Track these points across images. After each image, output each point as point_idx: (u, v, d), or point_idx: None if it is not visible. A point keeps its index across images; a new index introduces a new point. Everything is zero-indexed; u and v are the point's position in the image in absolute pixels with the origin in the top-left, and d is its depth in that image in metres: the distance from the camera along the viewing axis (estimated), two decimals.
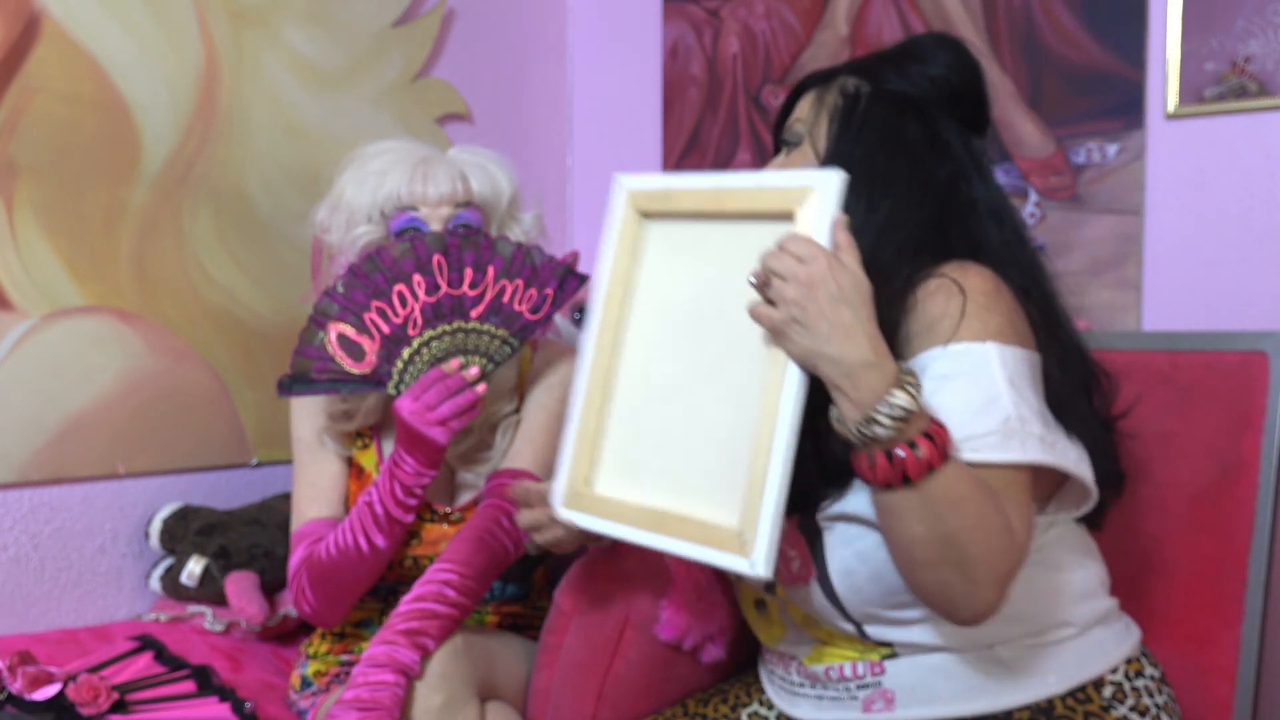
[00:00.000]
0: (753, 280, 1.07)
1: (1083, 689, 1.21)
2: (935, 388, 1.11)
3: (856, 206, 1.17)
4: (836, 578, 1.18)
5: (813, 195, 1.07)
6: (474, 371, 1.45)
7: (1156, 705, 1.23)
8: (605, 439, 1.20)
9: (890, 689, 1.22)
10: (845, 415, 1.04)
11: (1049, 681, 1.20)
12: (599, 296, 1.22)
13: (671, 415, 1.16)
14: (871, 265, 1.13)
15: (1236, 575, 1.44)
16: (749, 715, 1.38)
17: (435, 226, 1.53)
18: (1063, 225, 2.00)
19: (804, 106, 1.31)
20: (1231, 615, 1.44)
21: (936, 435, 1.03)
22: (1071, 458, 1.13)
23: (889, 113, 1.24)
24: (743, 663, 1.50)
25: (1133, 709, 1.21)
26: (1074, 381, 1.23)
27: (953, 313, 1.13)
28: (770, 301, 1.06)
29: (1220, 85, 1.83)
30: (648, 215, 1.22)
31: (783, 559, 1.22)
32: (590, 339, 1.22)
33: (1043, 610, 1.21)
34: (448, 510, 1.58)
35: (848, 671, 1.24)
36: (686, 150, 2.44)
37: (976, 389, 1.10)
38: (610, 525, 1.18)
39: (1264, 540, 1.43)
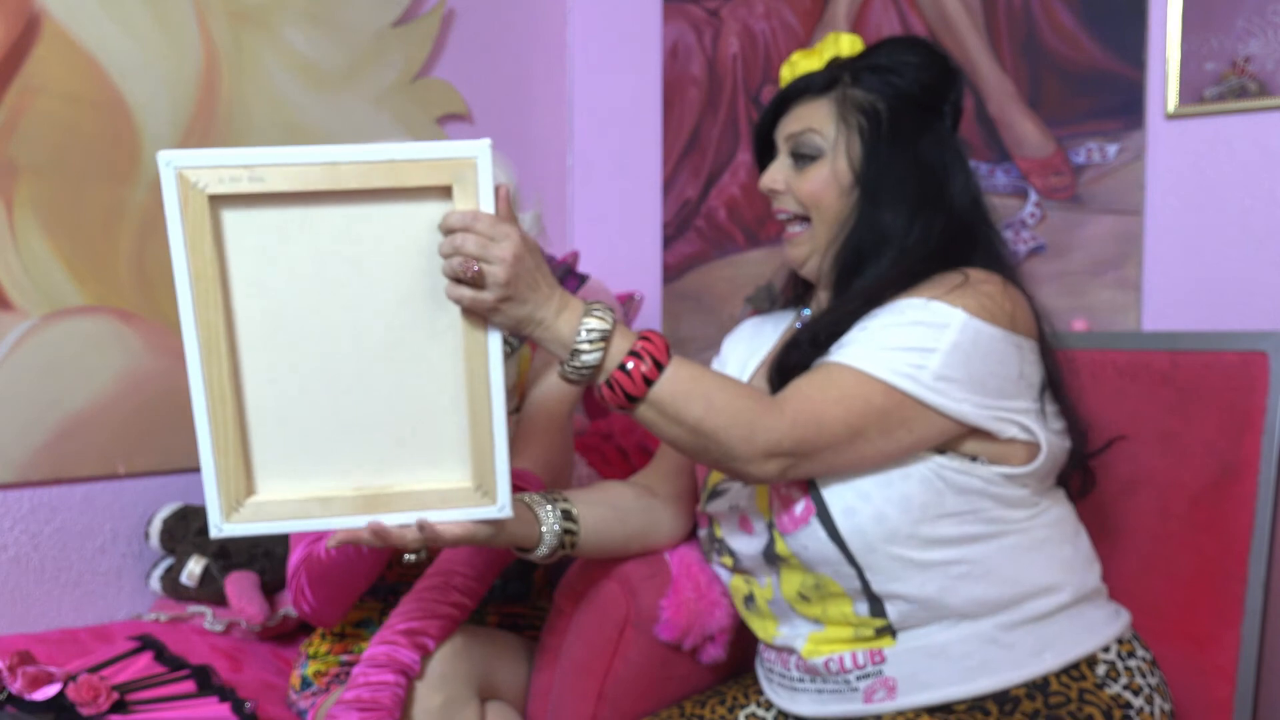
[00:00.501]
0: (456, 270, 1.08)
1: (1076, 667, 1.23)
2: (893, 321, 1.20)
3: (896, 219, 1.28)
4: (839, 517, 1.20)
5: (474, 167, 1.07)
6: None
7: (1150, 686, 1.25)
8: (256, 444, 1.14)
9: (892, 677, 1.23)
10: (556, 356, 1.15)
11: (1045, 658, 1.23)
12: (185, 303, 1.08)
13: (344, 403, 1.13)
14: (896, 271, 1.25)
15: (1236, 575, 1.44)
16: (746, 716, 1.38)
17: None
18: (1063, 225, 2.00)
19: (816, 118, 1.34)
20: (1231, 615, 1.44)
21: (644, 350, 1.14)
22: (992, 417, 1.20)
23: (908, 125, 1.31)
24: (742, 663, 1.50)
25: (1126, 688, 1.24)
26: (1057, 363, 1.30)
27: (946, 285, 1.22)
28: (461, 280, 1.09)
29: (1220, 85, 1.83)
30: (225, 200, 1.07)
31: (785, 503, 1.25)
32: (192, 349, 1.10)
33: (1039, 573, 1.25)
34: None
35: (848, 662, 1.25)
36: (686, 150, 2.44)
37: (921, 337, 1.18)
38: (299, 523, 1.16)
39: (1264, 540, 1.43)
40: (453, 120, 2.35)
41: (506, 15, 2.47)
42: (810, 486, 1.23)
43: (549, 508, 1.30)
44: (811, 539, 1.22)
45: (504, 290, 1.08)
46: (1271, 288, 1.82)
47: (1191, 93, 1.86)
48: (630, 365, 1.14)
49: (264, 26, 2.01)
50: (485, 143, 1.06)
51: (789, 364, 1.25)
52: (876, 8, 2.19)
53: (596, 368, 1.14)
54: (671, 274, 2.46)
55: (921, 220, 1.28)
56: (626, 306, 2.39)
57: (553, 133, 2.59)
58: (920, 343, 1.18)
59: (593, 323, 1.13)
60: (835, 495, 1.21)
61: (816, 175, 1.32)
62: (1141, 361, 1.56)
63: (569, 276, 1.53)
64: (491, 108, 2.42)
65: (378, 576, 1.53)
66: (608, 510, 1.37)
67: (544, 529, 1.29)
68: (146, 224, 1.87)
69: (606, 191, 2.59)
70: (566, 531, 1.30)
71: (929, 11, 2.12)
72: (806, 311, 1.43)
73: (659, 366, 1.14)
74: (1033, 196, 2.02)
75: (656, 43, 2.49)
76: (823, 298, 1.39)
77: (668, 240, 2.46)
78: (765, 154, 1.41)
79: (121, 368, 1.83)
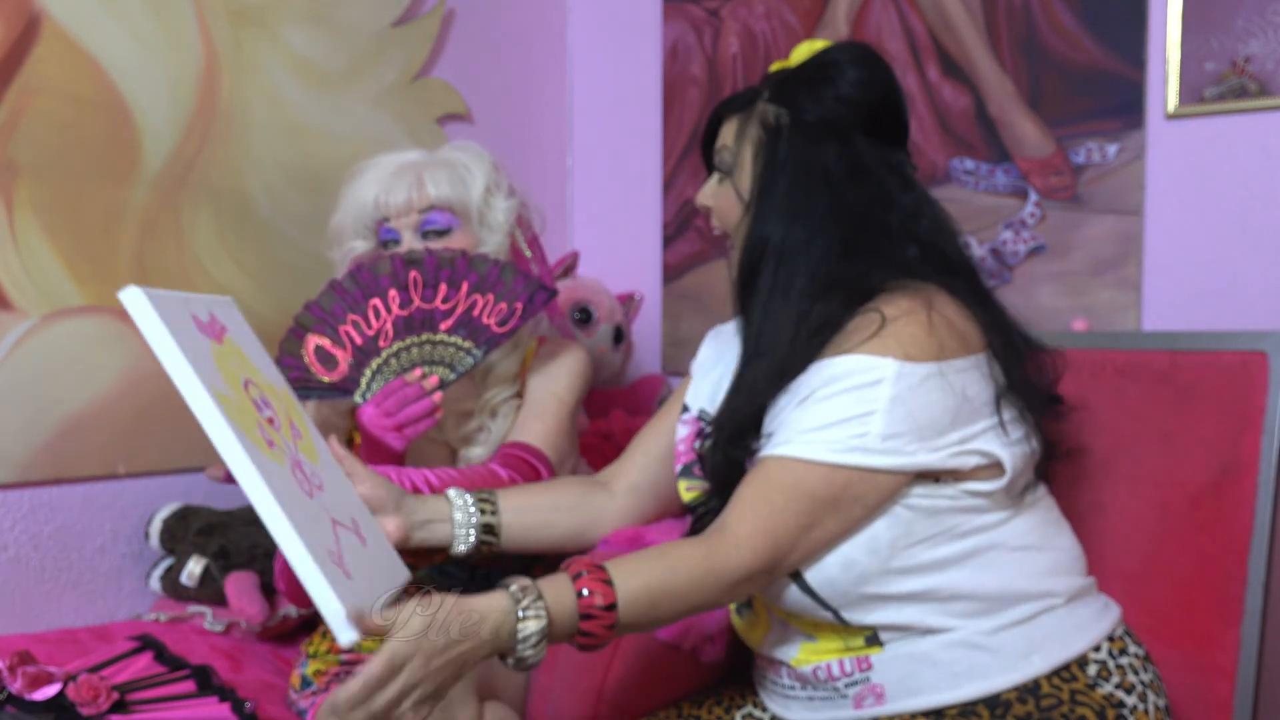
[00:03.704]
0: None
1: (1067, 668, 1.22)
2: (823, 394, 1.16)
3: (790, 239, 1.24)
4: (806, 570, 1.20)
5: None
6: (433, 380, 1.52)
7: (1142, 683, 1.24)
8: None
9: (879, 683, 1.23)
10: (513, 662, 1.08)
11: (1034, 661, 1.21)
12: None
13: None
14: (804, 299, 1.21)
15: (1236, 575, 1.44)
16: (743, 716, 1.38)
17: (407, 234, 1.62)
18: (1063, 225, 2.00)
19: (729, 134, 1.34)
20: (1231, 615, 1.44)
21: (592, 600, 1.08)
22: (950, 455, 1.17)
23: (808, 143, 1.27)
24: (741, 663, 1.50)
25: (1118, 686, 1.22)
26: (1013, 362, 1.25)
27: (865, 329, 1.17)
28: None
29: (1220, 85, 1.83)
30: None
31: None
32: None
33: (1022, 584, 1.23)
34: None
35: (835, 670, 1.25)
36: (686, 150, 2.44)
37: (855, 403, 1.15)
38: None
39: (1264, 540, 1.43)
40: (453, 120, 2.35)
41: (506, 15, 2.47)
42: None
43: (468, 527, 1.32)
44: (781, 589, 1.22)
45: (426, 687, 1.02)
46: (1271, 288, 1.82)
47: (1191, 93, 1.86)
48: (591, 625, 1.09)
49: (264, 26, 2.01)
50: (132, 291, 0.99)
51: (720, 465, 1.24)
52: (876, 8, 2.19)
53: (546, 650, 1.08)
54: (671, 274, 2.46)
55: (800, 228, 1.24)
56: (626, 306, 2.39)
57: (553, 133, 2.59)
58: (856, 409, 1.14)
59: (530, 626, 1.05)
60: None
61: (722, 192, 1.33)
62: (1141, 361, 1.56)
63: (539, 291, 1.57)
64: (491, 108, 2.42)
65: None
66: (536, 516, 1.39)
67: (459, 546, 1.31)
68: (146, 224, 1.86)
69: (606, 191, 2.59)
70: (483, 542, 1.33)
71: (929, 12, 2.12)
72: None
73: (611, 603, 1.09)
74: (1033, 196, 2.02)
75: (656, 43, 2.49)
76: None
77: (668, 240, 2.46)
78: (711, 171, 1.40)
79: (121, 368, 1.83)
